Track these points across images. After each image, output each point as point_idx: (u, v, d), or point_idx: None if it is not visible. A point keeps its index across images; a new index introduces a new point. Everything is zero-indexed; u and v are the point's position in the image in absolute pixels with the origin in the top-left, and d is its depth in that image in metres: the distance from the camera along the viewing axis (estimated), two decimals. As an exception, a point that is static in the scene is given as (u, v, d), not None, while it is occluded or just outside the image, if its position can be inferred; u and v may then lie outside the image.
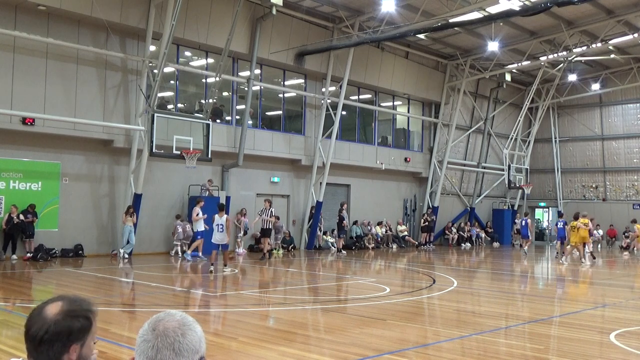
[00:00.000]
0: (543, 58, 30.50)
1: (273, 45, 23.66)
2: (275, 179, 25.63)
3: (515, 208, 35.76)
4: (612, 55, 31.12)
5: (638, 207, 33.44)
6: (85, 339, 2.16)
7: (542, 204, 37.37)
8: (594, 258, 23.70)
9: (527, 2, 22.37)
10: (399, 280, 17.39)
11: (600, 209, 33.68)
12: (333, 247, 25.76)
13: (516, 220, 30.87)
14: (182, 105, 23.67)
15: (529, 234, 27.43)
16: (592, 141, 36.23)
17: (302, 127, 26.41)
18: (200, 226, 19.70)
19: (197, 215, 19.44)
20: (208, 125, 20.89)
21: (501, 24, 25.31)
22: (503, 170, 34.53)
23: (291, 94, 26.51)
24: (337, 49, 24.95)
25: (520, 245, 27.96)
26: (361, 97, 28.90)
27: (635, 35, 27.97)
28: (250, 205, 24.25)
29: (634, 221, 30.04)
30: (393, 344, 8.30)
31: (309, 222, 26.14)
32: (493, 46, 26.24)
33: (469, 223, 33.38)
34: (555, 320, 10.80)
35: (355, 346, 7.97)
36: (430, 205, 31.21)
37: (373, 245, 27.71)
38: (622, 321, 10.45)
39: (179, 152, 19.96)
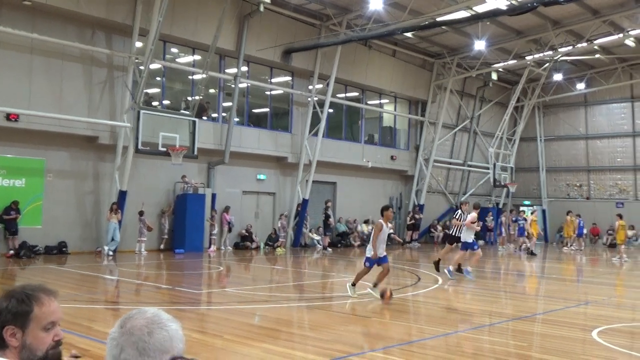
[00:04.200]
0: (529, 57, 30.69)
1: (260, 42, 23.61)
2: (262, 177, 25.60)
3: (500, 206, 35.96)
4: (597, 55, 31.36)
5: (621, 205, 33.75)
6: (25, 324, 2.10)
7: (527, 202, 37.59)
8: (533, 254, 25.02)
9: (513, 2, 22.49)
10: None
11: (584, 208, 33.92)
12: (319, 245, 25.78)
13: (512, 218, 30.64)
14: (169, 102, 23.57)
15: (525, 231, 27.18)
16: (577, 140, 36.52)
17: (289, 125, 26.40)
18: None
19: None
20: (194, 122, 20.83)
21: (488, 23, 25.44)
22: (488, 168, 34.77)
23: (278, 91, 26.48)
24: (324, 46, 24.95)
25: (519, 248, 27.71)
26: (348, 95, 28.93)
27: (620, 35, 28.20)
28: (236, 203, 24.22)
29: (619, 216, 30.25)
30: (377, 341, 8.34)
31: (295, 219, 26.14)
32: (480, 45, 26.34)
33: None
34: (539, 318, 10.89)
35: (340, 343, 8.00)
36: (416, 203, 31.33)
37: (359, 242, 27.76)
38: (605, 318, 10.55)
39: (164, 149, 19.87)
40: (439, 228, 32.16)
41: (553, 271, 20.82)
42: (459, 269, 16.04)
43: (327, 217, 26.57)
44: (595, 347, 8.32)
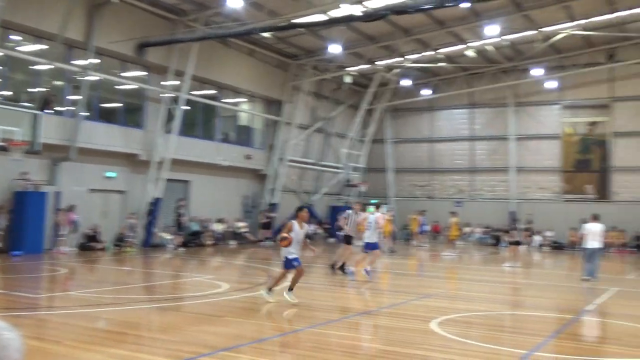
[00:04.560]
0: (380, 63, 32.08)
1: (113, 34, 22.58)
2: (111, 174, 24.50)
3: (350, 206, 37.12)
4: (441, 64, 33.45)
5: (459, 204, 36.21)
6: None
7: (374, 201, 39.12)
8: (393, 251, 26.05)
9: (367, 9, 23.35)
10: (236, 277, 17.41)
11: (427, 207, 35.93)
12: (170, 245, 25.17)
13: (420, 219, 31.87)
14: (9, 94, 21.84)
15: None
16: (422, 143, 38.67)
17: (142, 121, 25.52)
18: None
19: None
20: (38, 115, 19.47)
21: (343, 27, 26.25)
22: (341, 168, 35.89)
23: (132, 86, 25.49)
24: (180, 42, 24.40)
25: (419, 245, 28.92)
26: (204, 92, 28.52)
27: (462, 46, 30.34)
28: (82, 202, 22.96)
29: (453, 214, 32.49)
30: (229, 340, 8.31)
31: (146, 218, 25.30)
32: (335, 49, 27.08)
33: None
34: (384, 311, 11.41)
35: (190, 344, 7.87)
36: (270, 202, 31.58)
37: (212, 242, 27.46)
38: (443, 310, 11.28)
39: (4, 144, 18.40)
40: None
41: (398, 267, 21.86)
42: (341, 267, 16.27)
43: (179, 216, 26.01)
44: (434, 337, 8.88)
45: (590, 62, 32.91)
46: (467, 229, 35.01)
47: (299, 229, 11.43)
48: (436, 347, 8.30)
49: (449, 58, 32.90)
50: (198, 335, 8.48)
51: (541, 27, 28.52)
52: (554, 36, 29.39)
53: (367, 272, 15.57)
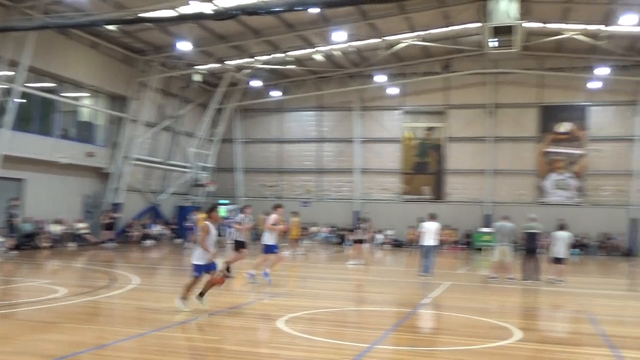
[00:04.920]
0: (230, 62, 31.97)
1: None
2: None
3: (198, 205, 36.68)
4: (291, 66, 34.03)
5: (305, 204, 37.01)
6: None
7: (224, 202, 39.02)
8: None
9: (218, 7, 23.14)
10: (75, 281, 16.50)
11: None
12: (1, 247, 23.29)
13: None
14: None
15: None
16: (271, 144, 39.07)
17: (-31, 113, 23.39)
18: None
19: None
20: None
21: (193, 25, 25.82)
22: (189, 168, 35.28)
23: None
24: (15, 30, 22.62)
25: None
26: (42, 85, 26.71)
27: (312, 49, 31.08)
28: None
29: (294, 214, 33.05)
30: (67, 348, 7.89)
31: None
32: (184, 46, 26.55)
33: (159, 220, 33.33)
34: (234, 312, 11.39)
35: (25, 354, 7.38)
36: (114, 202, 30.29)
37: (49, 244, 25.78)
38: (290, 307, 11.50)
39: None
40: (138, 227, 31.56)
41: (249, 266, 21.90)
42: (227, 269, 15.78)
43: (11, 216, 24.15)
44: (281, 335, 9.04)
45: (428, 71, 35.14)
46: (313, 229, 35.89)
47: (214, 230, 10.96)
48: (283, 345, 8.46)
49: (298, 61, 33.54)
50: (33, 345, 7.97)
51: (385, 36, 29.99)
52: (396, 45, 31.03)
53: (266, 274, 15.29)
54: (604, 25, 27.62)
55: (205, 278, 10.96)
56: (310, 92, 37.00)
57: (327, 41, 29.67)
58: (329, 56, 32.80)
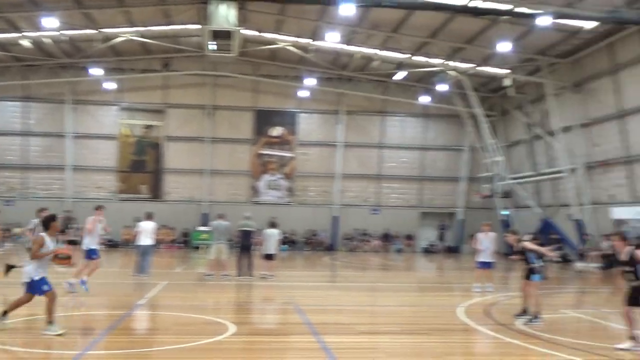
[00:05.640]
0: None
1: None
2: None
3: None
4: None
5: (8, 204, 33.66)
6: None
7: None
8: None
9: None
10: None
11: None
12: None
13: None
14: None
15: None
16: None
17: None
18: None
19: None
20: None
21: None
22: None
23: None
24: None
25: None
26: None
27: (18, 34, 28.37)
28: None
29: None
30: None
31: None
32: None
33: None
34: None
35: None
36: None
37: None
38: None
39: None
40: None
41: None
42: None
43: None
44: (-23, 350, 8.14)
45: (147, 68, 34.56)
46: (17, 230, 32.73)
47: (50, 243, 9.26)
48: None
49: (1, 46, 30.38)
50: None
51: (101, 28, 28.72)
52: (114, 38, 29.88)
53: (83, 282, 13.88)
54: (312, 40, 30.15)
55: None
56: (15, 80, 33.75)
57: (36, 27, 27.34)
58: (38, 43, 30.25)
